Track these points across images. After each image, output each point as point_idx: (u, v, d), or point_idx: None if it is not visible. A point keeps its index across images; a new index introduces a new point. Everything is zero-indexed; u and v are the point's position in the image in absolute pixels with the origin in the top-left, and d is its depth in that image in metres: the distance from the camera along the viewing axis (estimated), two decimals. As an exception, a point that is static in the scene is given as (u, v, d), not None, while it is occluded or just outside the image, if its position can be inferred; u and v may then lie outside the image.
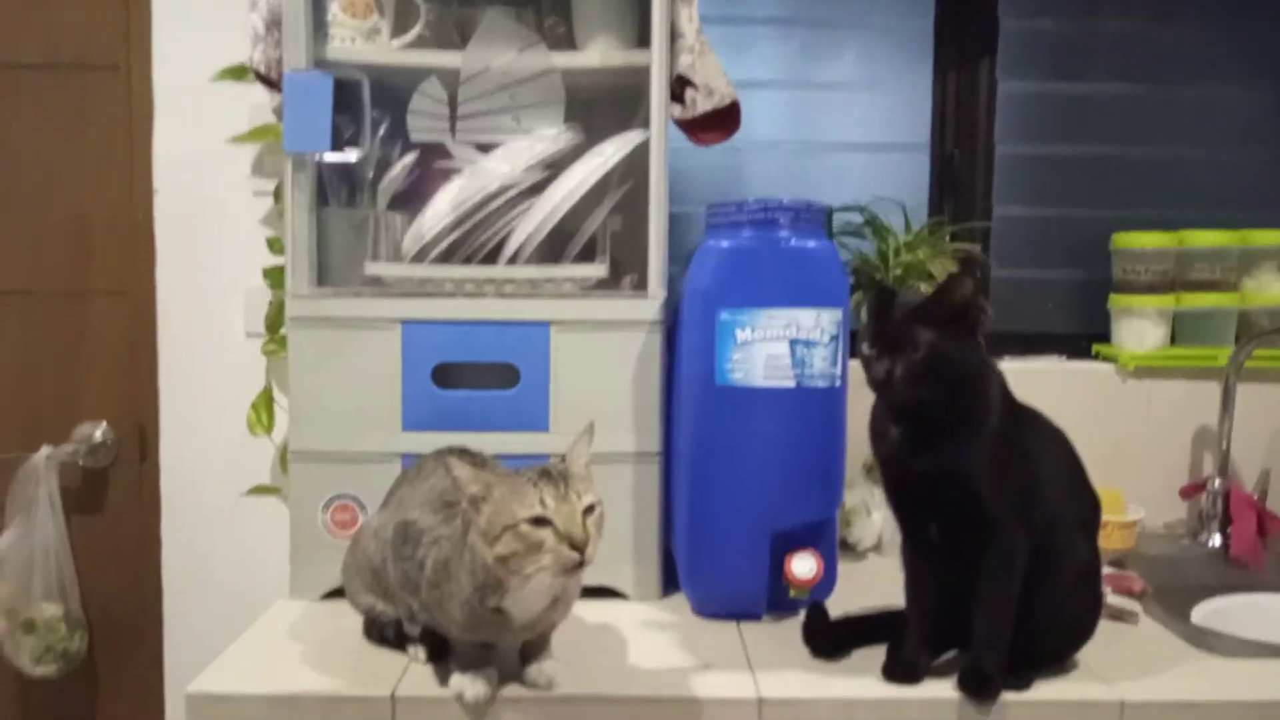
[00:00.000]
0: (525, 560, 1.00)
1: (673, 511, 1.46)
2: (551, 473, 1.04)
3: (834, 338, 1.34)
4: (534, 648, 1.16)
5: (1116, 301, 1.92)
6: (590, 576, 1.41)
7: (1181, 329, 1.89)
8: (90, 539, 1.82)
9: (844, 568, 1.46)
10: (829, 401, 1.35)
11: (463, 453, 1.25)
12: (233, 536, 1.82)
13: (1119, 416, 1.98)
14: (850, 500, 1.66)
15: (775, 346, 1.32)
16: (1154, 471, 1.85)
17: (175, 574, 1.84)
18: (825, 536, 1.40)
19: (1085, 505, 1.22)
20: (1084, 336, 1.94)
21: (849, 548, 1.67)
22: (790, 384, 1.33)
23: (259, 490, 1.79)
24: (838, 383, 1.35)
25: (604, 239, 1.54)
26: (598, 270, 1.47)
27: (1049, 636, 1.19)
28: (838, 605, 1.38)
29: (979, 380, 1.14)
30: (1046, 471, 1.18)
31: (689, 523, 1.38)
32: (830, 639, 1.26)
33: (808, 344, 1.33)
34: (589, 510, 1.03)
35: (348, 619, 1.30)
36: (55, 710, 1.86)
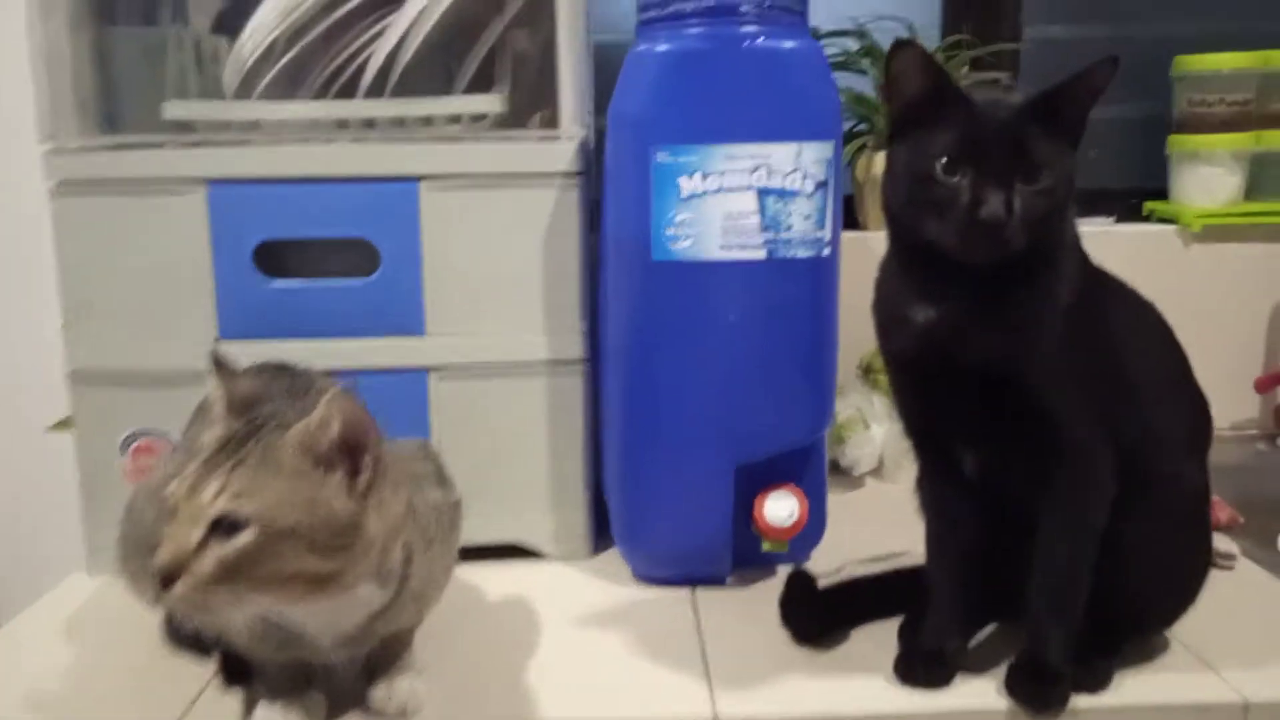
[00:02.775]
0: None
1: (604, 441, 1.07)
2: (252, 435, 0.66)
3: (821, 185, 0.93)
4: (383, 659, 0.78)
5: (1179, 144, 1.52)
6: (494, 530, 1.05)
7: (1262, 178, 1.52)
8: None
9: (835, 500, 1.09)
10: (815, 278, 0.95)
11: (278, 370, 0.85)
12: (31, 486, 1.42)
13: (1179, 291, 1.53)
14: (843, 411, 1.27)
15: (737, 200, 0.91)
16: (1222, 360, 1.46)
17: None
18: (810, 467, 1.02)
19: (1192, 411, 0.83)
20: (1136, 192, 1.57)
21: (841, 472, 1.29)
22: (759, 255, 0.93)
23: (64, 426, 1.38)
24: (826, 250, 0.95)
25: (504, 61, 1.10)
26: (490, 103, 1.05)
27: (1137, 603, 0.82)
28: (828, 555, 1.02)
29: (1068, 225, 0.75)
30: (1140, 365, 0.80)
31: (624, 456, 1.00)
32: (819, 616, 0.89)
33: (784, 195, 0.92)
34: (221, 533, 0.62)
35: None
36: None
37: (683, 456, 0.96)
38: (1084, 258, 0.79)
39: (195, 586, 0.61)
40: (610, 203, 0.97)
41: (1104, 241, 1.44)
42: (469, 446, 1.03)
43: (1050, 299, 0.75)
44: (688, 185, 0.91)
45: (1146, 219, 1.53)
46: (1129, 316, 0.81)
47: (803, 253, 0.93)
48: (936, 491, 0.83)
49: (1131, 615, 0.82)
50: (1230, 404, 1.47)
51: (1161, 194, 1.54)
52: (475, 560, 1.04)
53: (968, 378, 0.74)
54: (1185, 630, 0.86)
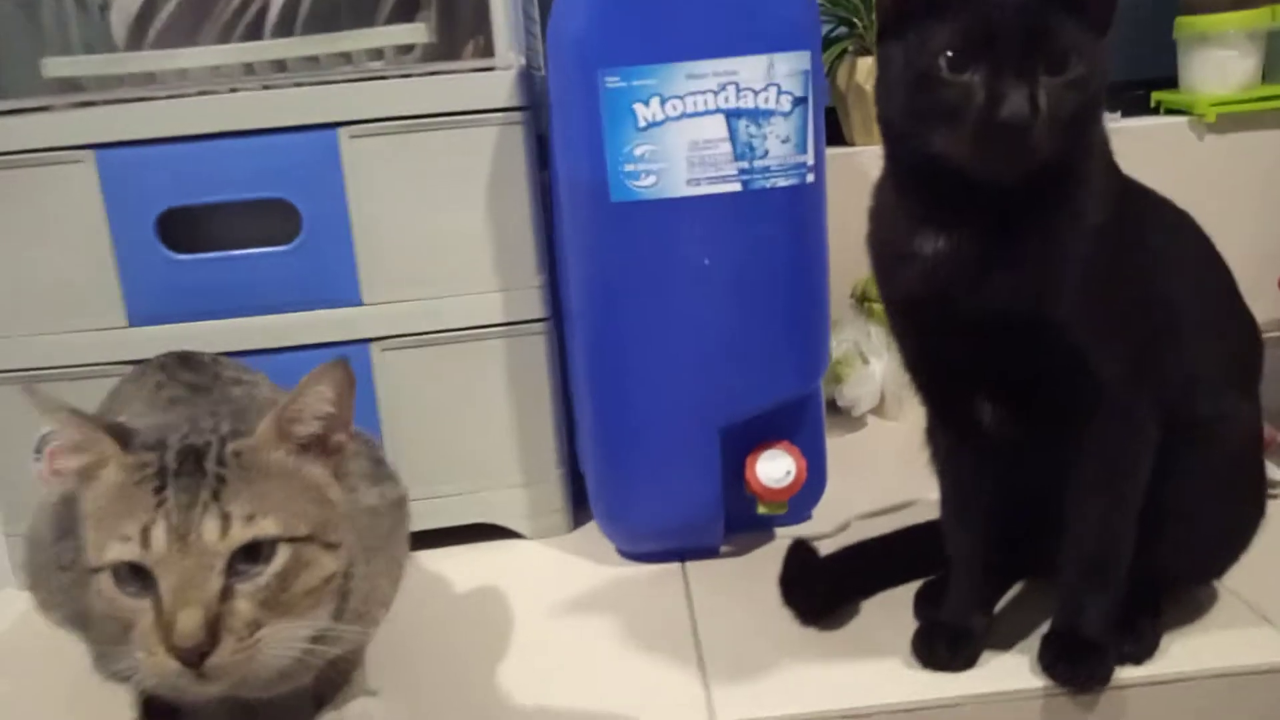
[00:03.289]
0: (119, 635, 0.52)
1: (574, 407, 0.97)
2: (198, 455, 0.55)
3: (799, 102, 0.80)
4: (330, 683, 0.68)
5: (1187, 25, 1.38)
6: (461, 510, 0.95)
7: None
8: None
9: (835, 445, 0.98)
10: (799, 209, 0.83)
11: (181, 361, 0.74)
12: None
13: (1193, 186, 1.41)
14: (838, 347, 1.16)
15: (703, 126, 0.79)
16: (1243, 259, 1.34)
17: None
18: (807, 419, 0.91)
19: (1241, 339, 0.73)
20: (1140, 83, 1.44)
21: (840, 413, 1.18)
22: (733, 187, 0.81)
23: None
24: (810, 177, 0.83)
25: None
26: (415, 33, 0.91)
27: (1184, 558, 0.72)
28: (831, 511, 0.93)
29: (1099, 128, 0.64)
30: (1183, 291, 0.69)
31: (596, 424, 0.89)
32: (824, 592, 0.79)
33: (757, 116, 0.80)
34: (243, 566, 0.53)
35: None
36: None
37: (660, 421, 0.86)
38: (1113, 166, 0.68)
39: (241, 641, 0.52)
40: (559, 139, 0.84)
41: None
42: (424, 423, 0.93)
43: (1080, 221, 0.63)
44: (645, 113, 0.79)
45: (1154, 111, 1.41)
46: (1167, 233, 0.70)
47: (783, 181, 0.81)
48: (950, 449, 0.72)
49: (1178, 570, 0.73)
50: (1252, 307, 1.36)
51: (1170, 83, 1.42)
52: (444, 544, 0.95)
53: (986, 321, 0.63)
54: (1236, 578, 0.77)
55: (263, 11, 0.93)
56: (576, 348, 0.89)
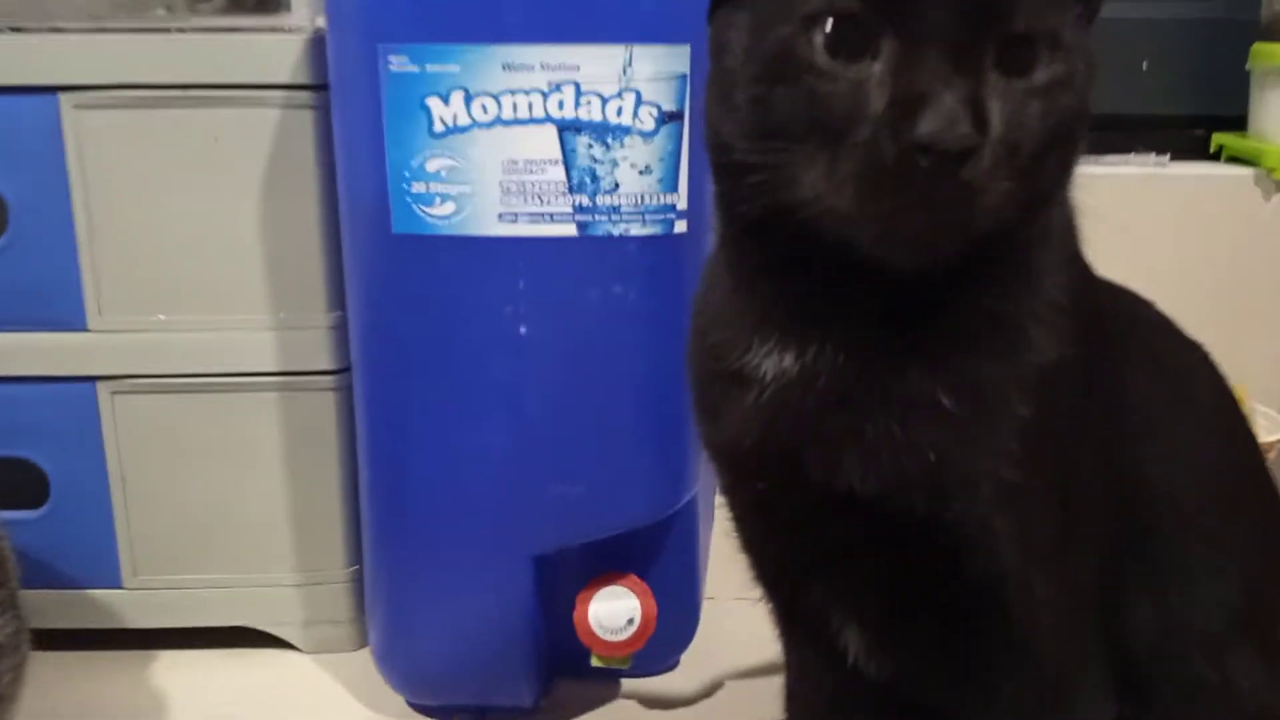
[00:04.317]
0: None
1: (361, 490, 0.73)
2: None
3: (669, 119, 0.56)
4: None
5: (1265, 56, 1.12)
6: (216, 610, 0.72)
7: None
8: None
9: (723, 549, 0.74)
10: (663, 268, 0.59)
11: None
12: None
13: (1252, 254, 1.17)
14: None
15: (526, 139, 0.55)
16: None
17: None
18: (671, 544, 0.67)
19: (1266, 555, 0.47)
20: (1201, 120, 1.17)
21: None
22: (566, 229, 0.57)
23: None
24: (681, 225, 0.58)
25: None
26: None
27: None
28: (702, 659, 0.69)
29: (1067, 195, 0.39)
30: (1179, 480, 0.43)
31: (370, 516, 0.66)
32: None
33: (604, 133, 0.55)
34: None
35: None
36: None
37: (450, 532, 0.63)
38: (1080, 260, 0.42)
39: None
40: (338, 141, 0.60)
41: (1151, 188, 1.08)
42: (169, 493, 0.71)
43: (1023, 353, 0.38)
44: (442, 112, 0.55)
45: (1214, 157, 1.15)
46: (1163, 382, 0.44)
47: (639, 228, 0.57)
48: (800, 674, 0.48)
49: None
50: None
51: (1237, 124, 1.15)
52: (192, 644, 0.73)
53: (851, 506, 0.39)
54: None
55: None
56: (361, 421, 0.66)
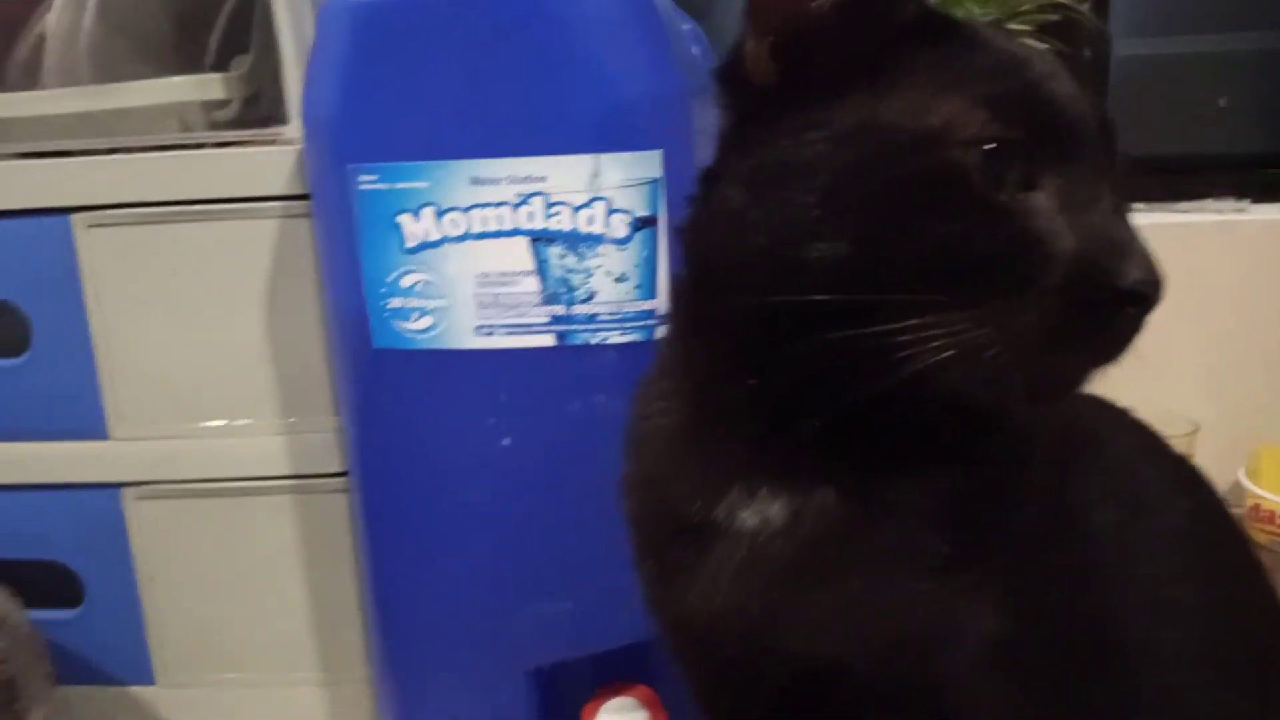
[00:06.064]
0: None
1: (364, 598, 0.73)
2: None
3: (641, 225, 0.54)
4: None
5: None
6: (243, 711, 0.73)
7: None
8: None
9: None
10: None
11: None
12: None
13: None
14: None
15: (498, 251, 0.54)
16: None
17: None
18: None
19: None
20: (1274, 160, 1.04)
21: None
22: (544, 339, 0.55)
23: None
24: (658, 329, 0.56)
25: (228, 29, 0.74)
26: (204, 88, 0.69)
27: None
28: None
29: None
30: (1165, 638, 0.38)
31: (376, 630, 0.65)
32: None
33: (576, 242, 0.54)
34: None
35: None
36: None
37: (443, 645, 0.61)
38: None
39: None
40: (321, 255, 0.61)
41: (1225, 234, 0.99)
42: (195, 593, 0.72)
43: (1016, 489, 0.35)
44: (413, 228, 0.54)
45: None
46: (1129, 510, 0.39)
47: (618, 336, 0.55)
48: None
49: None
50: None
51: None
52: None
53: (841, 667, 0.35)
54: None
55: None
56: (361, 527, 0.66)
